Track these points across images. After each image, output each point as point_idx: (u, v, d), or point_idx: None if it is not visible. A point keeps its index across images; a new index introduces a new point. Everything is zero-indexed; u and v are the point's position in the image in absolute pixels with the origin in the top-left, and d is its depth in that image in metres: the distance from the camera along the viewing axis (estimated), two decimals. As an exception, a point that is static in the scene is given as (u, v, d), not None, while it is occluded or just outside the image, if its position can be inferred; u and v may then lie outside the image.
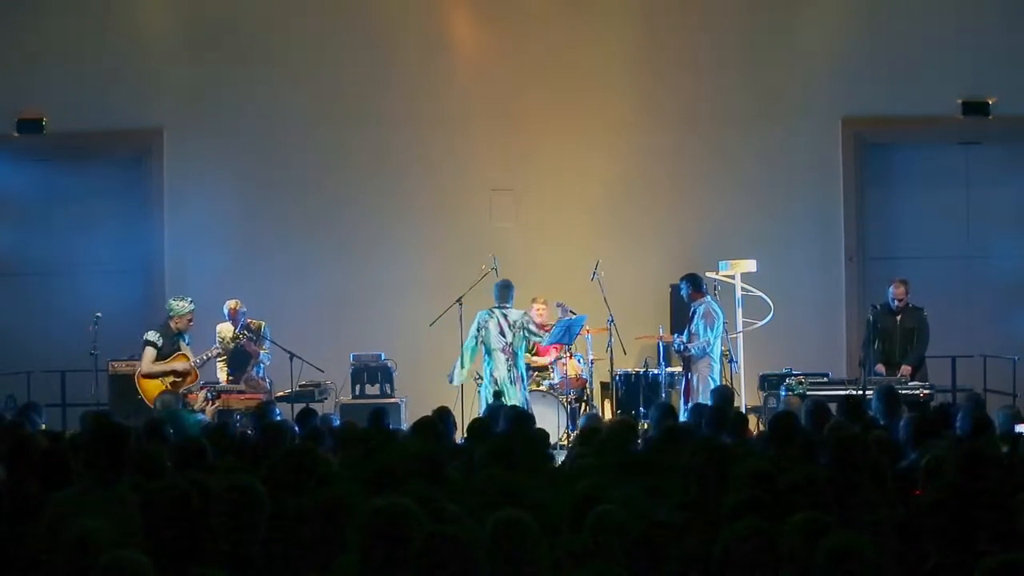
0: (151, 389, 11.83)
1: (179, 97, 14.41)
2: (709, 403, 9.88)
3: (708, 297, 12.44)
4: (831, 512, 5.12)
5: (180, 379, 11.87)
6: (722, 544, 4.39)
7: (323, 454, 6.82)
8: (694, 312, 12.31)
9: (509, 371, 11.93)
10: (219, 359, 12.30)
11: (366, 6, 14.43)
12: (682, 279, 12.62)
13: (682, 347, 12.27)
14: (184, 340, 12.05)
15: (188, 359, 11.88)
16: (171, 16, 14.46)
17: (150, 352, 11.87)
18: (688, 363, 12.37)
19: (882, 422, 8.33)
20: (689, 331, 12.29)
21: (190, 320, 12.01)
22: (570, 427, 12.02)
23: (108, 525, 4.77)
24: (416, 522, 4.37)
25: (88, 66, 14.30)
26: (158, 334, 11.94)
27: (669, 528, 4.79)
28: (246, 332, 12.11)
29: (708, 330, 12.14)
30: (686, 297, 12.49)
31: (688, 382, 12.31)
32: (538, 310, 12.81)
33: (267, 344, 12.36)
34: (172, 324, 11.99)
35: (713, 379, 12.08)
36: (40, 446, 6.77)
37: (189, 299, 12.05)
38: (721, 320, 12.27)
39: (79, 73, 14.30)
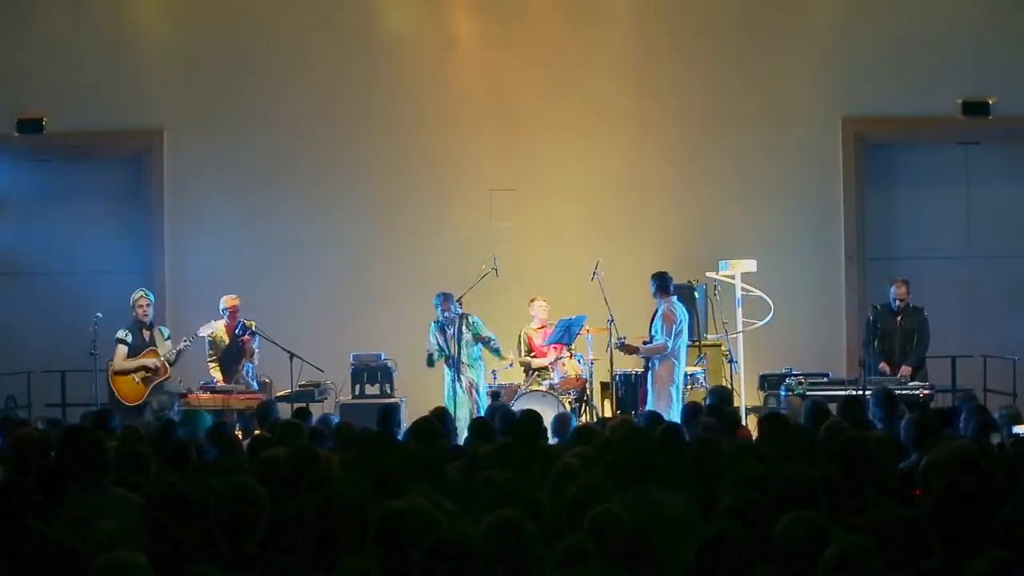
0: (123, 385, 11.98)
1: (179, 97, 14.41)
2: (656, 411, 9.74)
3: (674, 298, 12.02)
4: (828, 512, 5.12)
5: (151, 374, 11.94)
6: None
7: (324, 453, 6.81)
8: (655, 311, 12.05)
9: (452, 383, 12.11)
10: (211, 360, 12.31)
11: (366, 6, 14.43)
12: (652, 277, 12.24)
13: (619, 344, 11.99)
14: (164, 334, 12.15)
15: (158, 355, 11.97)
16: (171, 16, 14.44)
17: (122, 349, 12.02)
18: (647, 364, 12.06)
19: (880, 426, 8.28)
20: (649, 331, 12.15)
21: (142, 305, 12.08)
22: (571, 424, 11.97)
23: (107, 526, 4.77)
24: (425, 524, 4.37)
25: (88, 66, 14.29)
26: (127, 331, 12.08)
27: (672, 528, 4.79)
28: (245, 330, 12.14)
29: (664, 333, 11.76)
30: (653, 294, 12.19)
31: (645, 384, 12.01)
32: (540, 308, 12.86)
33: (258, 342, 12.35)
34: (135, 315, 12.10)
35: (675, 387, 11.68)
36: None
37: (142, 289, 12.31)
38: (684, 322, 11.89)
39: (79, 73, 14.28)
